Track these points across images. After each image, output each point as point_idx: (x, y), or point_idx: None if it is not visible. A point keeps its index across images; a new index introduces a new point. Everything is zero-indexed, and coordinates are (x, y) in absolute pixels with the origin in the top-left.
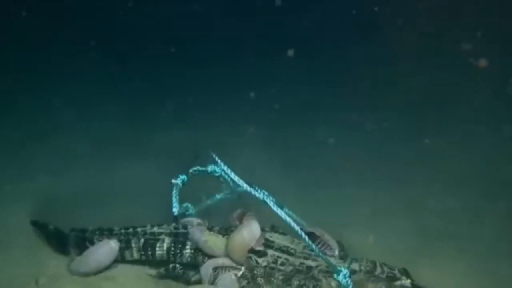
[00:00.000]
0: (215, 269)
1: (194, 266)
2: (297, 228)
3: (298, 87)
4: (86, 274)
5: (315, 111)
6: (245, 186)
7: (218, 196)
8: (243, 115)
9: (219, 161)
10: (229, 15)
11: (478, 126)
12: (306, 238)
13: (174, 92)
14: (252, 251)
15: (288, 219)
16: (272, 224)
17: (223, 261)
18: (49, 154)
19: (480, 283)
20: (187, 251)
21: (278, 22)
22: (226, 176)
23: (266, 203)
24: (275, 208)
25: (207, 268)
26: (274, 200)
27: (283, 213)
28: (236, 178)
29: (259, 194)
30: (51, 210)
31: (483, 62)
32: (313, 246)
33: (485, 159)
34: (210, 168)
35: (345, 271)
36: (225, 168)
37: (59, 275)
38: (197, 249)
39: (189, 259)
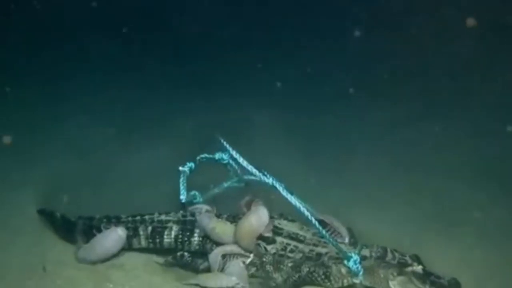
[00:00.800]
0: (224, 256)
1: (203, 254)
2: (306, 213)
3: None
4: (93, 262)
5: (326, 98)
6: (254, 171)
7: (225, 184)
8: (259, 102)
9: (227, 146)
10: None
11: (488, 116)
12: (316, 223)
13: (193, 79)
14: (260, 238)
15: (298, 204)
16: (280, 212)
17: (232, 248)
18: (60, 141)
19: (491, 269)
20: (195, 238)
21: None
22: (234, 163)
23: (275, 188)
24: (285, 193)
25: (215, 255)
26: (283, 185)
27: (292, 198)
28: (245, 163)
29: (268, 179)
30: (60, 197)
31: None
32: (323, 232)
33: (495, 147)
34: (217, 155)
35: (355, 257)
36: (234, 153)
37: (66, 263)
38: (205, 237)
39: (197, 247)
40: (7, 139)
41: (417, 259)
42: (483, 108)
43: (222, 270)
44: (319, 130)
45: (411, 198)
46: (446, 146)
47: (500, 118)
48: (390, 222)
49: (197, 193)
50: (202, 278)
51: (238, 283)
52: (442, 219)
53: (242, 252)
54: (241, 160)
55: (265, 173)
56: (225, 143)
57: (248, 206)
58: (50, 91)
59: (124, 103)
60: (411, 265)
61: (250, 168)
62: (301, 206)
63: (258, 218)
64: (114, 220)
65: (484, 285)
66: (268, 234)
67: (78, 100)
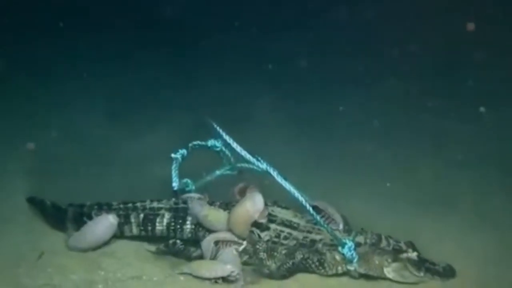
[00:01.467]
0: (216, 243)
1: (195, 241)
2: (301, 198)
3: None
4: (84, 250)
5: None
6: (248, 156)
7: (218, 172)
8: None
9: (220, 130)
10: None
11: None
12: (310, 209)
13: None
14: (254, 225)
15: (292, 189)
16: (274, 199)
17: (224, 235)
18: (55, 129)
19: (489, 255)
20: (188, 226)
21: None
22: (227, 150)
23: (269, 173)
24: (279, 179)
25: (208, 242)
26: (277, 171)
27: (287, 183)
28: (238, 148)
29: (262, 165)
30: (53, 185)
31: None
32: (318, 218)
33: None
34: (210, 142)
35: (350, 243)
36: (227, 138)
37: (57, 251)
38: (197, 225)
39: (189, 235)
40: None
41: (412, 246)
42: (481, 94)
43: (214, 257)
44: (315, 118)
45: (407, 184)
46: (444, 132)
47: (499, 106)
48: (386, 208)
49: (189, 180)
50: (195, 267)
51: (233, 271)
52: (439, 205)
53: (235, 239)
54: (234, 145)
55: (259, 158)
56: (217, 128)
57: (241, 193)
58: (45, 79)
59: (121, 91)
60: (406, 251)
61: (243, 153)
62: (295, 191)
63: (253, 204)
64: (105, 207)
65: (481, 271)
66: (263, 221)
67: (74, 88)
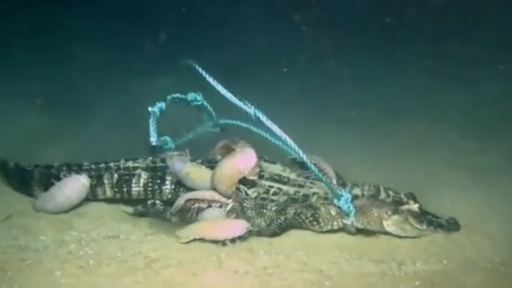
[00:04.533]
0: (194, 202)
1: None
2: (294, 145)
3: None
4: (53, 212)
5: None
6: (234, 99)
7: (199, 130)
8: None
9: (203, 73)
10: None
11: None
12: (304, 156)
13: None
14: (241, 181)
15: (284, 135)
16: (259, 155)
17: (208, 193)
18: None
19: (490, 210)
20: (167, 186)
21: None
22: (208, 105)
23: (258, 118)
24: (269, 124)
25: (179, 200)
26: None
27: (277, 128)
28: (223, 91)
29: (250, 109)
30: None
31: None
32: (312, 166)
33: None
34: (190, 96)
35: (346, 195)
36: (211, 80)
37: (23, 213)
38: (178, 184)
39: (169, 196)
40: None
41: (413, 197)
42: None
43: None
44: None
45: (404, 143)
46: (438, 96)
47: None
48: (387, 165)
49: (168, 138)
50: (203, 231)
51: (248, 227)
52: (436, 164)
53: (219, 198)
54: (219, 87)
55: (246, 102)
56: (200, 69)
57: (223, 152)
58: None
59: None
60: (406, 203)
61: (229, 96)
62: (286, 137)
63: (244, 159)
64: (75, 168)
65: (482, 225)
66: (254, 178)
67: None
